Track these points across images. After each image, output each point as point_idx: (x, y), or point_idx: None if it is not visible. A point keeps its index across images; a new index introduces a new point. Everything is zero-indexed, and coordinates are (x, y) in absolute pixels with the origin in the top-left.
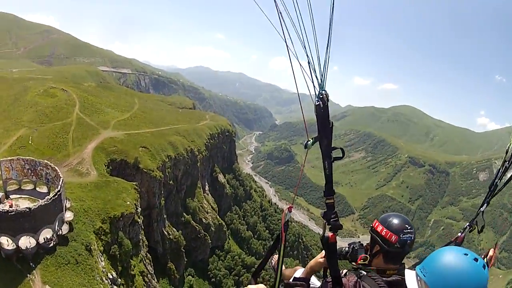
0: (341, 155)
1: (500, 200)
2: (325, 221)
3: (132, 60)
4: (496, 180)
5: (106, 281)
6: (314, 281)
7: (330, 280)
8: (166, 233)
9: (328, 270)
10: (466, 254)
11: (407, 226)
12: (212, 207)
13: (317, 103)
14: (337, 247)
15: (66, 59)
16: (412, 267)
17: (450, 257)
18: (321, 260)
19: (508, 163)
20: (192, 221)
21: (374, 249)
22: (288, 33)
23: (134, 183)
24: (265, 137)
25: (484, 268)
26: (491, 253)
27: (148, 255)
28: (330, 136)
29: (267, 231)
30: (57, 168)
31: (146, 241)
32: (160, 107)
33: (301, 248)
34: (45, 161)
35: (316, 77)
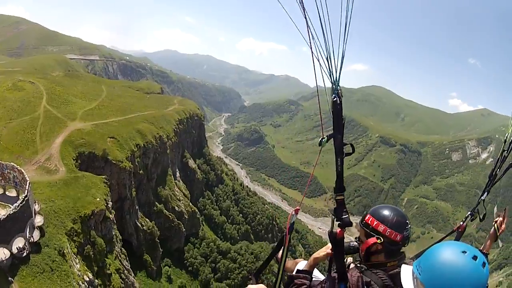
0: (351, 151)
1: (475, 180)
2: (333, 217)
3: (99, 46)
4: (496, 169)
5: (83, 285)
6: (317, 274)
7: (334, 274)
8: (139, 224)
9: (334, 264)
10: (464, 252)
11: (407, 221)
12: (184, 194)
13: (334, 99)
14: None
15: (35, 49)
16: (410, 260)
17: (447, 255)
18: (325, 253)
19: (507, 152)
20: (165, 210)
21: (373, 248)
22: (313, 28)
23: (103, 176)
24: (234, 119)
25: (484, 266)
26: (500, 219)
27: (123, 250)
28: (342, 132)
29: (241, 215)
30: (23, 171)
31: (119, 235)
32: (128, 94)
33: (275, 230)
34: (12, 163)
35: (331, 72)
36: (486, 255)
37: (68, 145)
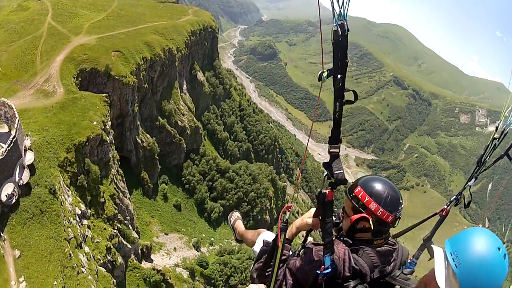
0: (353, 99)
1: (478, 149)
2: (325, 173)
3: None
4: (485, 157)
5: (74, 221)
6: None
7: (313, 245)
8: (139, 141)
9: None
10: (499, 249)
11: (401, 201)
12: (189, 108)
13: (334, 29)
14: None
15: None
16: (393, 239)
17: (487, 252)
18: (309, 221)
19: (498, 140)
20: (167, 125)
21: (360, 225)
22: None
23: (104, 94)
24: (250, 32)
25: (505, 258)
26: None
27: (120, 170)
28: (345, 73)
29: (244, 132)
30: (13, 106)
31: (117, 155)
32: (140, 3)
33: (276, 152)
34: (2, 99)
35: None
36: None
37: (69, 63)
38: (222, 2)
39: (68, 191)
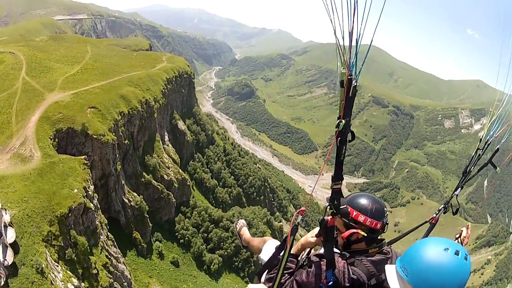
0: (351, 138)
1: (466, 150)
2: (327, 204)
3: (88, 4)
4: (470, 167)
5: None
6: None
7: (319, 259)
8: (126, 200)
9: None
10: (447, 249)
11: (385, 208)
12: (173, 160)
13: (354, 84)
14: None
15: (23, 16)
16: (388, 246)
17: (431, 255)
18: (313, 240)
19: (481, 150)
20: (153, 181)
21: (354, 237)
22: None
23: (83, 156)
24: (225, 73)
25: (466, 259)
26: (464, 233)
27: (110, 235)
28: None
29: (232, 177)
30: None
31: (105, 220)
32: (114, 53)
33: (267, 192)
34: None
35: (352, 60)
36: None
37: (45, 123)
38: (195, 45)
39: (58, 266)
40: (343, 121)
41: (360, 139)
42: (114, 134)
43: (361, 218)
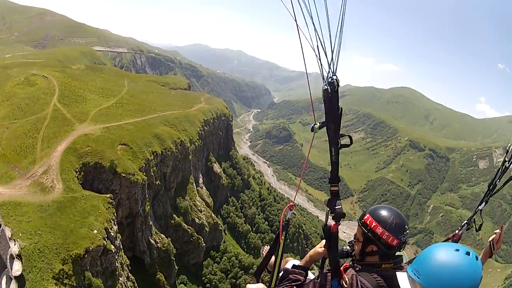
0: (349, 143)
1: (500, 190)
2: (328, 209)
3: (128, 38)
4: (496, 180)
5: None
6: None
7: (326, 271)
8: (153, 241)
9: (327, 261)
10: (457, 250)
11: (406, 226)
12: (206, 203)
13: (324, 88)
14: (339, 246)
15: (61, 41)
16: (405, 264)
17: (442, 255)
18: (321, 250)
19: (508, 163)
20: (184, 223)
21: (368, 248)
22: (300, 9)
23: (108, 195)
24: (263, 115)
25: (477, 260)
26: (496, 236)
27: (131, 276)
28: (338, 122)
29: (266, 222)
30: None
31: (127, 261)
32: (151, 89)
33: (301, 238)
34: None
35: (327, 60)
36: None
37: (71, 154)
38: (234, 87)
39: None
40: (318, 123)
41: (395, 184)
42: (145, 173)
43: (379, 230)
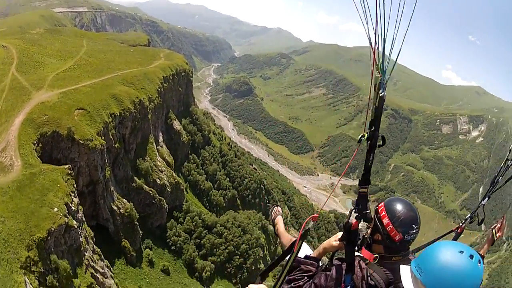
0: (382, 143)
1: (463, 156)
2: (352, 208)
3: None
4: (498, 177)
5: None
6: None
7: (340, 263)
8: (115, 208)
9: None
10: (461, 252)
11: (414, 226)
12: (167, 163)
13: (381, 94)
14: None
15: (23, 7)
16: (411, 254)
17: (446, 256)
18: (335, 244)
19: (510, 161)
20: (145, 186)
21: (375, 236)
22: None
23: (66, 166)
24: (224, 69)
25: (480, 263)
26: (498, 224)
27: (96, 248)
28: (379, 127)
29: (228, 179)
30: None
31: (91, 233)
32: (110, 48)
33: (263, 194)
34: None
35: (383, 68)
36: (482, 257)
37: (29, 126)
38: (194, 41)
39: None
40: (365, 134)
41: (356, 141)
42: (103, 137)
43: (385, 220)
